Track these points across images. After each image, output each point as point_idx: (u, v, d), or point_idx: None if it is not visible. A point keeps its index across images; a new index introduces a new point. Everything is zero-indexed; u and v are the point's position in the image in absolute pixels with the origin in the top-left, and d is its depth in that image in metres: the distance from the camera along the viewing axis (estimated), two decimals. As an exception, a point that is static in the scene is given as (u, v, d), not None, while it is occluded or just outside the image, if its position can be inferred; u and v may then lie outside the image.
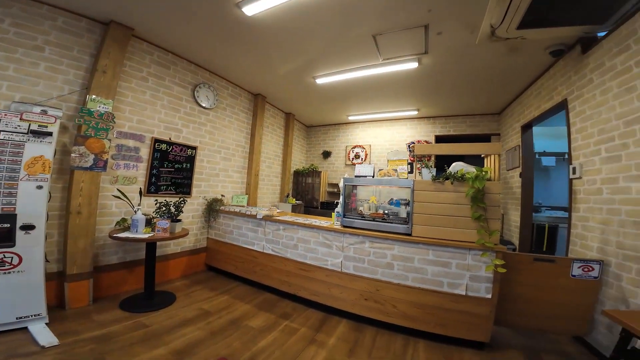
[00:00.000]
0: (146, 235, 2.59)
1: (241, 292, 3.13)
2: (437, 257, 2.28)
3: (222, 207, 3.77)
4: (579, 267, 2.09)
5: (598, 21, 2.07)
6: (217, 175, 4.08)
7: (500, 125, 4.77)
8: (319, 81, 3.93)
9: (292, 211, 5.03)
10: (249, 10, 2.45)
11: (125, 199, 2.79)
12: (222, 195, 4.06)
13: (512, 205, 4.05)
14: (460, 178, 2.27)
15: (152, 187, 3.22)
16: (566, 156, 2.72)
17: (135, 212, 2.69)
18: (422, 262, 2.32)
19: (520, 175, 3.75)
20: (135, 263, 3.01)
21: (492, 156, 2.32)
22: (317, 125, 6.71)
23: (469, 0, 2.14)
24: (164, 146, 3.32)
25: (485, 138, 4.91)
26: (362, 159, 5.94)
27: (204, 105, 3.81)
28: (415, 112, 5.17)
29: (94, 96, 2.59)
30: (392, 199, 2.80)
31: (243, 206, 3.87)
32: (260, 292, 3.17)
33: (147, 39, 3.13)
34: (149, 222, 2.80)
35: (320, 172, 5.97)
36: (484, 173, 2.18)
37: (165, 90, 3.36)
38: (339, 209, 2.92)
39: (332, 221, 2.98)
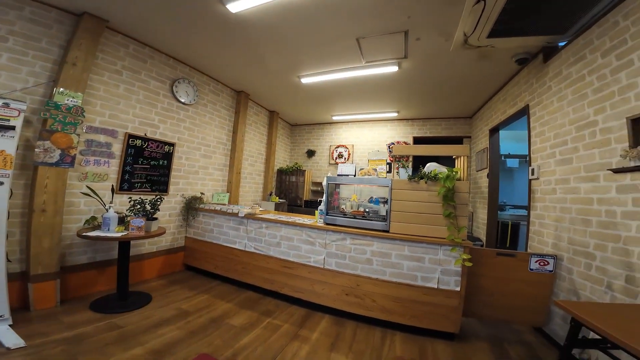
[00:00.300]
0: (119, 234, 2.49)
1: (222, 291, 3.10)
2: (412, 252, 2.41)
3: (201, 206, 3.69)
4: (536, 262, 2.30)
5: (559, 31, 2.23)
6: (196, 172, 3.98)
7: (472, 128, 5.07)
8: (304, 80, 3.95)
9: (276, 209, 5.02)
10: (233, 7, 2.42)
11: (95, 196, 2.66)
12: (202, 193, 3.97)
13: (481, 204, 4.34)
14: (434, 178, 2.42)
15: (125, 184, 3.09)
16: (527, 158, 2.97)
17: (107, 210, 2.58)
18: (399, 257, 2.45)
19: (488, 175, 4.03)
20: (106, 263, 2.89)
21: (462, 157, 2.49)
22: (302, 124, 6.72)
23: (445, 9, 2.28)
24: (138, 142, 3.19)
25: (458, 140, 5.20)
26: (345, 158, 6.06)
27: (183, 100, 3.70)
28: (396, 114, 5.36)
29: (61, 89, 2.44)
30: (372, 197, 2.91)
31: (224, 204, 3.82)
32: (241, 290, 3.16)
33: (122, 31, 2.99)
34: (122, 221, 2.70)
35: (305, 170, 6.01)
36: (454, 173, 2.33)
37: (141, 85, 3.23)
38: (322, 207, 2.98)
39: (316, 219, 3.04)
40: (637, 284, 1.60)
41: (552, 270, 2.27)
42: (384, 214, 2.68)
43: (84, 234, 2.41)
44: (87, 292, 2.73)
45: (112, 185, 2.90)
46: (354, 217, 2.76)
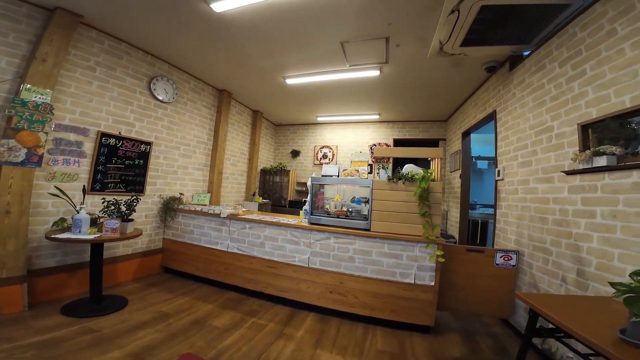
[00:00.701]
0: (92, 236, 2.39)
1: (203, 293, 3.05)
2: (391, 249, 2.53)
3: (181, 206, 3.60)
4: (501, 257, 2.50)
5: (524, 41, 2.38)
6: (175, 172, 3.87)
7: (447, 131, 5.36)
8: (289, 81, 3.97)
9: (259, 210, 5.00)
10: (217, 6, 2.40)
11: (64, 197, 2.52)
12: (181, 194, 3.87)
13: (454, 203, 4.61)
14: (411, 178, 2.55)
15: (98, 184, 2.96)
16: (494, 160, 3.21)
17: (78, 211, 2.46)
18: (379, 254, 2.56)
19: (460, 176, 4.29)
20: (78, 266, 2.75)
21: (437, 159, 2.64)
22: (286, 124, 6.72)
23: (423, 18, 2.41)
24: (112, 141, 3.06)
25: (434, 142, 5.47)
26: (329, 159, 6.14)
27: (161, 98, 3.59)
28: (377, 117, 5.52)
29: (29, 85, 2.30)
30: (354, 197, 3.01)
31: (205, 205, 3.75)
32: (224, 291, 3.13)
33: (98, 27, 2.88)
34: (95, 222, 2.58)
35: (289, 171, 6.01)
36: (429, 174, 2.48)
37: (116, 82, 3.10)
38: (306, 207, 3.03)
39: (300, 219, 3.09)
40: (586, 277, 1.76)
41: (515, 265, 2.48)
42: (366, 213, 2.78)
43: (53, 236, 2.29)
44: (58, 296, 2.59)
45: (84, 186, 2.76)
46: (338, 217, 2.84)
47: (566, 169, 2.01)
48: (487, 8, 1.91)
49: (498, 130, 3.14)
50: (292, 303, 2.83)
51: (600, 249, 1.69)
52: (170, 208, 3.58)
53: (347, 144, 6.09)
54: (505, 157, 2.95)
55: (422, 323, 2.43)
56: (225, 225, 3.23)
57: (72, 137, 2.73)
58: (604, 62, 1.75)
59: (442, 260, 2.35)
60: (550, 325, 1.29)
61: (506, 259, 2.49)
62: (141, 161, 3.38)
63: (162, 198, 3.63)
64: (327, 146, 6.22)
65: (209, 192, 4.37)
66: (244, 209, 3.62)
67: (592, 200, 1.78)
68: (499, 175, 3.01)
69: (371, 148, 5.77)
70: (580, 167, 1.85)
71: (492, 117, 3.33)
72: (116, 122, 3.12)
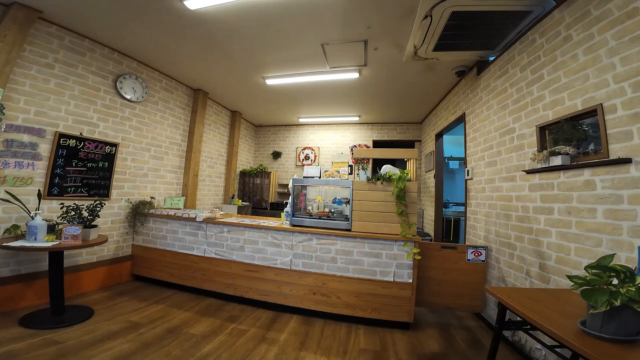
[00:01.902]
0: (49, 244, 2.20)
1: (179, 300, 2.91)
2: (371, 249, 2.58)
3: (152, 211, 3.41)
4: (471, 252, 2.64)
5: (490, 47, 2.51)
6: (145, 175, 3.66)
7: (422, 132, 5.57)
8: (269, 82, 3.91)
9: (239, 213, 4.86)
10: (191, 3, 2.30)
11: (16, 202, 2.30)
12: (152, 198, 3.67)
13: (429, 202, 4.80)
14: (388, 179, 2.62)
15: (55, 188, 2.71)
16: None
17: (33, 217, 2.26)
18: (360, 254, 2.59)
19: (434, 176, 4.49)
20: (34, 276, 2.51)
21: (412, 160, 2.74)
22: (267, 125, 6.60)
23: (399, 23, 2.48)
24: (72, 142, 2.83)
25: (411, 144, 5.67)
26: (311, 160, 6.11)
27: (128, 97, 3.37)
28: (357, 118, 5.61)
29: (-27, 80, 2.06)
30: (335, 198, 3.02)
31: (179, 209, 3.58)
32: (201, 298, 3.00)
33: (58, 22, 2.67)
34: (53, 229, 2.38)
35: (270, 172, 5.89)
36: (405, 174, 2.56)
37: (77, 80, 2.87)
38: (288, 208, 2.99)
39: (282, 221, 3.04)
40: (548, 271, 1.87)
41: (484, 260, 2.63)
42: (347, 214, 2.81)
43: (5, 244, 2.07)
44: (13, 307, 2.37)
45: (39, 190, 2.52)
46: (320, 218, 2.84)
47: (526, 168, 2.16)
48: (457, 14, 2.01)
49: (467, 132, 3.32)
50: (275, 307, 2.79)
51: (559, 244, 1.82)
52: (139, 213, 3.37)
53: (329, 145, 6.11)
54: (473, 157, 3.13)
55: (402, 320, 2.50)
56: (202, 230, 3.10)
57: (25, 138, 2.48)
58: (560, 67, 1.88)
59: (419, 257, 2.44)
60: (518, 318, 1.33)
61: (476, 254, 2.64)
62: (106, 163, 3.15)
63: (131, 202, 3.41)
64: (309, 147, 6.20)
65: (183, 196, 4.18)
66: (222, 212, 3.51)
67: (550, 198, 1.92)
68: (468, 174, 3.18)
69: (352, 149, 5.85)
70: (539, 166, 2.00)
71: (461, 120, 3.52)
72: (77, 122, 2.88)
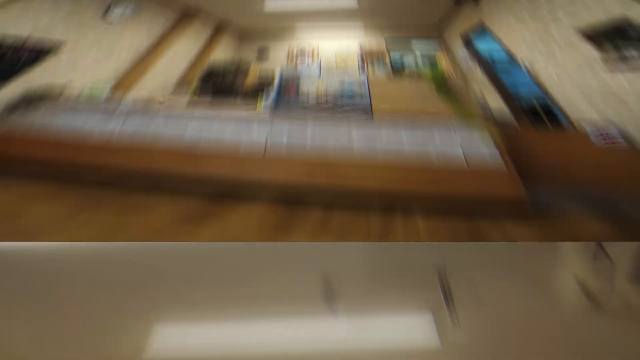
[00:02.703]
0: None
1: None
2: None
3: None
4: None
5: None
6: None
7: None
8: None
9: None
10: None
11: None
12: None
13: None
14: (417, 73, 1.86)
15: None
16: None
17: None
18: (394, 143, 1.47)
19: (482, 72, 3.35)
20: None
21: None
22: (256, 29, 4.88)
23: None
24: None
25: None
26: (310, 57, 4.00)
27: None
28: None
29: None
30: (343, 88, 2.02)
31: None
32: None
33: None
34: None
35: (249, 70, 4.01)
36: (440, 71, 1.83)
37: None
38: (270, 96, 1.91)
39: (258, 109, 1.88)
40: None
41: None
42: (364, 104, 1.80)
43: None
44: None
45: None
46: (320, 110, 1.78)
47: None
48: None
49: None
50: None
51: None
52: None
53: (331, 46, 4.18)
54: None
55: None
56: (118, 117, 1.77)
57: None
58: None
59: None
60: None
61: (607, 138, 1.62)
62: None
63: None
64: (306, 46, 4.37)
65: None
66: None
67: None
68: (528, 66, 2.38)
69: (360, 47, 3.95)
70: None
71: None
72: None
